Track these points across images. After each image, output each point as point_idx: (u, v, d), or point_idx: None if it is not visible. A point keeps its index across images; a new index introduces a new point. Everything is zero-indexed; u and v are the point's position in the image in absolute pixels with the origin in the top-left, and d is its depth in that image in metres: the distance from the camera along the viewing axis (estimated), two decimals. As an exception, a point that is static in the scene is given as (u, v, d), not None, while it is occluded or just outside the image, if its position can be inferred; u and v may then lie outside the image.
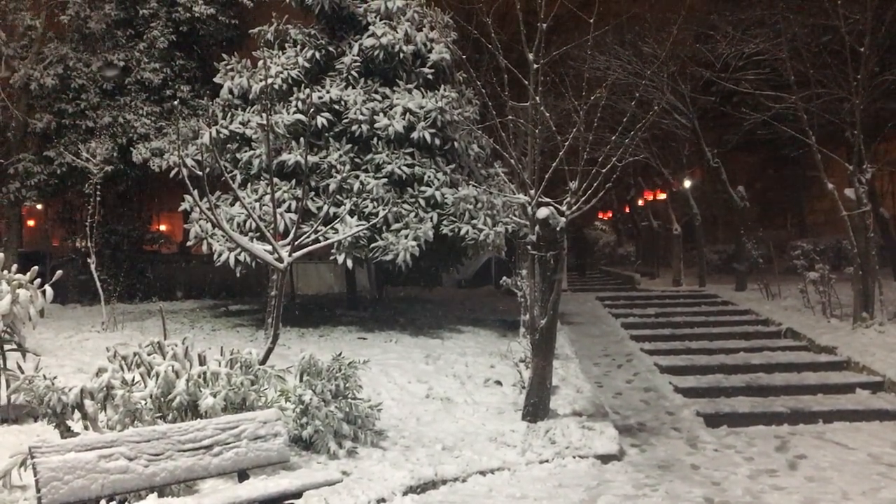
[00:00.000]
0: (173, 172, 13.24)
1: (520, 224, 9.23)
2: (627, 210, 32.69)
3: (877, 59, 13.10)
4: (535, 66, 8.49)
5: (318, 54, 12.73)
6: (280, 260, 7.25)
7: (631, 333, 13.33)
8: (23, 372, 6.23)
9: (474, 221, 11.90)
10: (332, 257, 11.83)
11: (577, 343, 12.67)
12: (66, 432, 5.77)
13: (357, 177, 11.71)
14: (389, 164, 11.80)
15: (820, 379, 10.15)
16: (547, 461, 7.22)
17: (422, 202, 11.86)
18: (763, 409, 9.04)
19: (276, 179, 11.55)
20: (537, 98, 8.48)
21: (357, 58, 12.58)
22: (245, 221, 11.45)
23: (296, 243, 7.38)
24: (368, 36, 12.51)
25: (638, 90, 11.28)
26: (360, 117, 11.99)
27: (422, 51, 12.80)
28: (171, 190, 17.71)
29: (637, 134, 8.77)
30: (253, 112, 12.57)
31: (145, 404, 6.06)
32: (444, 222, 11.89)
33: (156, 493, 4.93)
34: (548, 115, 8.86)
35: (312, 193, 11.78)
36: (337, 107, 12.22)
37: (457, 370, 10.03)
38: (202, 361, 6.61)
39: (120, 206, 17.61)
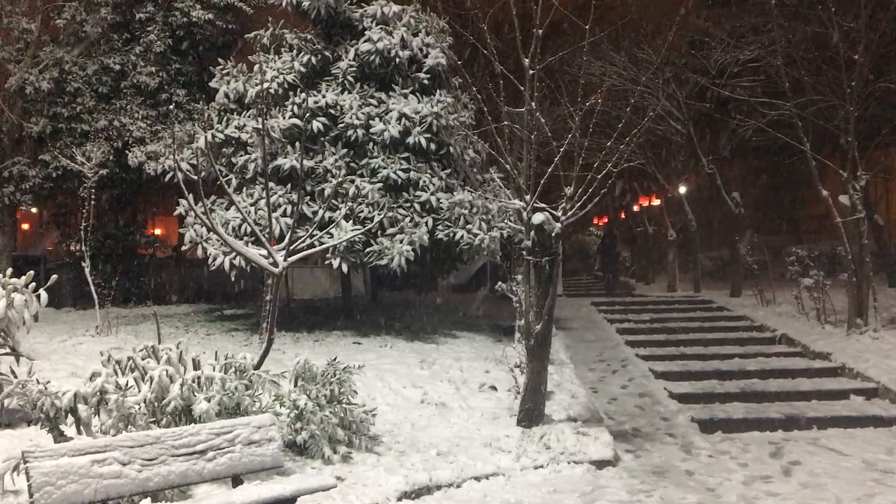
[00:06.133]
0: (168, 176, 13.22)
1: (515, 229, 9.24)
2: (623, 216, 32.74)
3: (871, 66, 13.16)
4: (531, 71, 8.51)
5: (314, 59, 12.74)
6: (275, 264, 7.24)
7: (626, 339, 13.35)
8: (16, 376, 6.20)
9: (469, 226, 11.90)
10: (327, 262, 11.82)
11: (573, 348, 12.68)
12: (60, 437, 5.75)
13: (352, 181, 11.70)
14: (385, 168, 11.80)
15: (814, 385, 10.17)
16: (542, 467, 7.22)
17: (417, 207, 11.87)
18: (758, 415, 9.05)
19: (271, 184, 11.55)
20: (533, 104, 8.50)
21: (353, 62, 12.59)
22: (240, 226, 11.43)
23: (291, 248, 7.37)
24: (364, 41, 12.52)
25: (633, 96, 11.30)
26: (356, 122, 11.99)
27: (418, 56, 12.81)
28: (167, 194, 17.68)
29: (632, 140, 8.79)
30: (249, 116, 12.56)
31: (139, 409, 6.04)
32: (440, 227, 11.89)
33: (149, 498, 4.92)
34: (543, 120, 8.88)
35: (308, 198, 11.77)
36: (333, 111, 12.22)
37: (452, 375, 10.02)
38: (196, 366, 6.60)
39: (115, 210, 17.58)
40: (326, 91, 12.38)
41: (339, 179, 11.54)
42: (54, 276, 7.24)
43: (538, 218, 8.09)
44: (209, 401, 6.06)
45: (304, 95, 12.21)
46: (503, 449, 7.52)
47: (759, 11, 15.23)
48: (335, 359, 7.42)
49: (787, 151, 17.35)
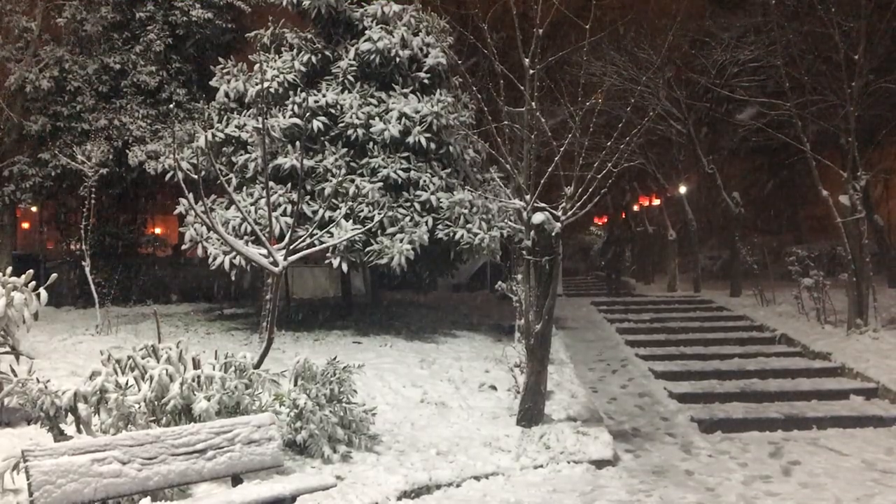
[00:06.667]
0: (168, 175, 13.23)
1: (515, 229, 9.24)
2: (623, 215, 32.74)
3: (871, 66, 13.16)
4: (531, 71, 8.51)
5: (314, 58, 12.74)
6: (275, 264, 7.24)
7: (626, 339, 13.35)
8: (16, 375, 6.20)
9: (469, 226, 11.91)
10: (327, 261, 11.81)
11: (572, 348, 12.68)
12: (60, 436, 5.75)
13: (353, 181, 11.70)
14: (385, 168, 11.80)
15: (814, 385, 10.17)
16: (541, 466, 7.22)
17: (417, 206, 11.87)
18: (757, 414, 9.06)
19: (271, 183, 11.55)
20: (533, 104, 8.50)
21: (353, 62, 12.59)
22: (240, 225, 11.43)
23: (291, 247, 7.37)
24: (365, 40, 12.52)
25: (633, 96, 11.30)
26: (356, 121, 11.98)
27: (418, 55, 12.80)
28: (167, 193, 17.69)
29: (632, 140, 8.79)
30: (249, 115, 12.56)
31: (139, 408, 6.04)
32: (440, 226, 11.89)
33: (149, 497, 4.92)
34: (543, 120, 8.88)
35: (308, 197, 11.76)
36: (333, 111, 12.22)
37: (451, 375, 10.02)
38: (196, 365, 6.59)
39: (115, 209, 17.57)
40: (327, 90, 12.38)
41: (340, 179, 11.54)
42: (54, 275, 7.23)
43: (538, 218, 8.09)
44: (209, 400, 6.06)
45: (304, 95, 12.20)
46: (503, 448, 7.53)
47: (760, 11, 15.22)
48: (335, 358, 7.42)
49: (787, 151, 17.37)
